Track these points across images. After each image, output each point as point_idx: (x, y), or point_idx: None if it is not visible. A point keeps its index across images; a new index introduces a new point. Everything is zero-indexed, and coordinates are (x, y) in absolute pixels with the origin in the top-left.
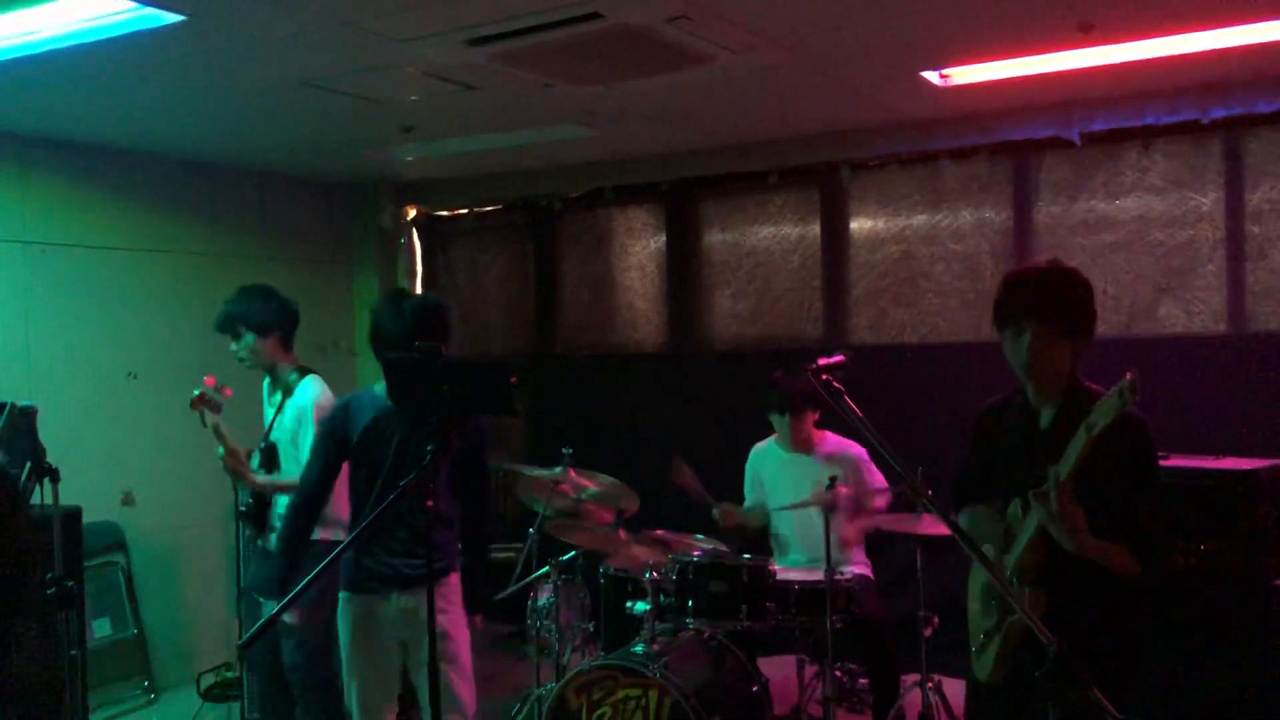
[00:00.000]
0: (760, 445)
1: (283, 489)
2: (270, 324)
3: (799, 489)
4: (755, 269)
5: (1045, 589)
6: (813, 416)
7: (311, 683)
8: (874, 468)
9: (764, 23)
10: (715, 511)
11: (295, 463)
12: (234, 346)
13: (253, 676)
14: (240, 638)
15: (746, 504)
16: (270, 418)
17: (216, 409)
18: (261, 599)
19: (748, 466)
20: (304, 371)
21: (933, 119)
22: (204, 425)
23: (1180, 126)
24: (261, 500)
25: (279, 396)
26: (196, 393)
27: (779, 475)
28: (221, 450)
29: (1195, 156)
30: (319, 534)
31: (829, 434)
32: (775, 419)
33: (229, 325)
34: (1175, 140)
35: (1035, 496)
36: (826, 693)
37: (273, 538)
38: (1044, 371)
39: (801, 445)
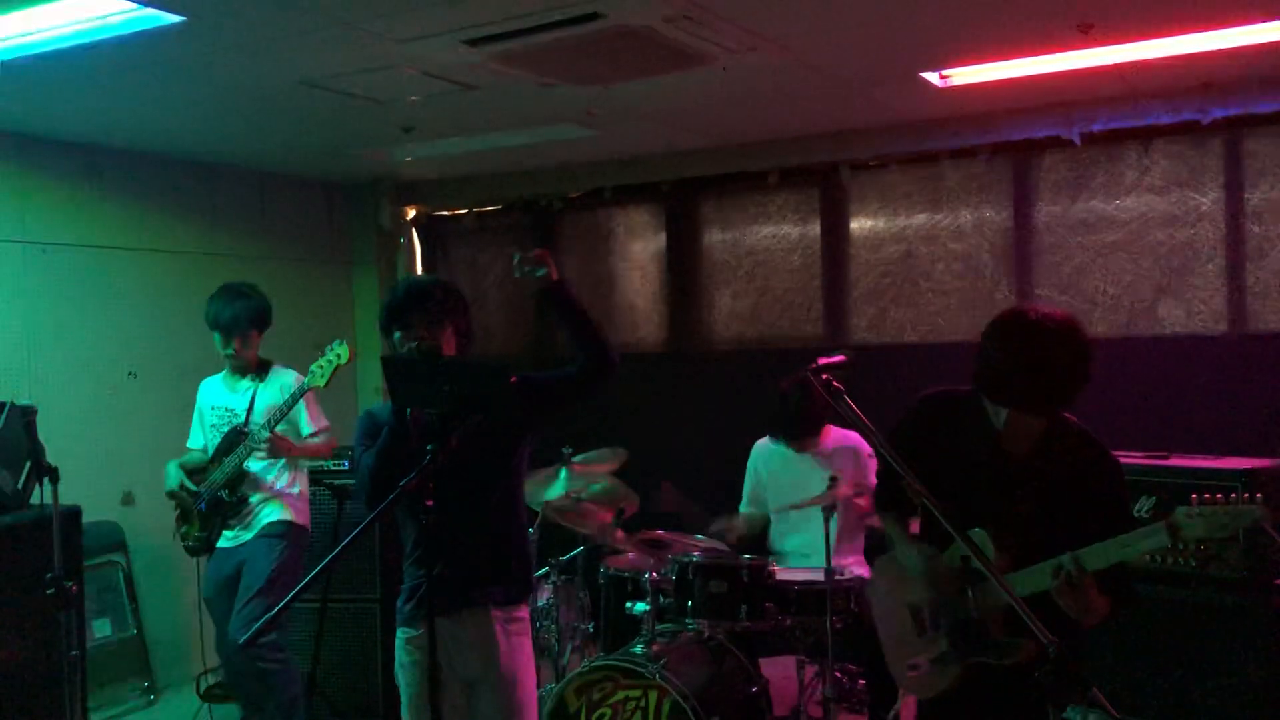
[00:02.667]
0: (763, 441)
1: (314, 451)
2: (268, 321)
3: (802, 486)
4: (755, 269)
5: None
6: (819, 430)
7: (272, 663)
8: (876, 461)
9: (764, 23)
10: (716, 529)
11: (297, 434)
12: (235, 345)
13: (233, 678)
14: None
15: (743, 505)
16: (243, 407)
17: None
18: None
19: (749, 463)
20: (265, 362)
21: (933, 119)
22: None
23: (1180, 126)
24: (234, 493)
25: (248, 384)
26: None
27: (781, 473)
28: (261, 423)
29: (1195, 156)
30: (296, 517)
31: (833, 428)
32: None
33: (243, 327)
34: (1175, 140)
35: (1061, 589)
36: (826, 693)
37: (253, 519)
38: (1026, 432)
39: (807, 444)
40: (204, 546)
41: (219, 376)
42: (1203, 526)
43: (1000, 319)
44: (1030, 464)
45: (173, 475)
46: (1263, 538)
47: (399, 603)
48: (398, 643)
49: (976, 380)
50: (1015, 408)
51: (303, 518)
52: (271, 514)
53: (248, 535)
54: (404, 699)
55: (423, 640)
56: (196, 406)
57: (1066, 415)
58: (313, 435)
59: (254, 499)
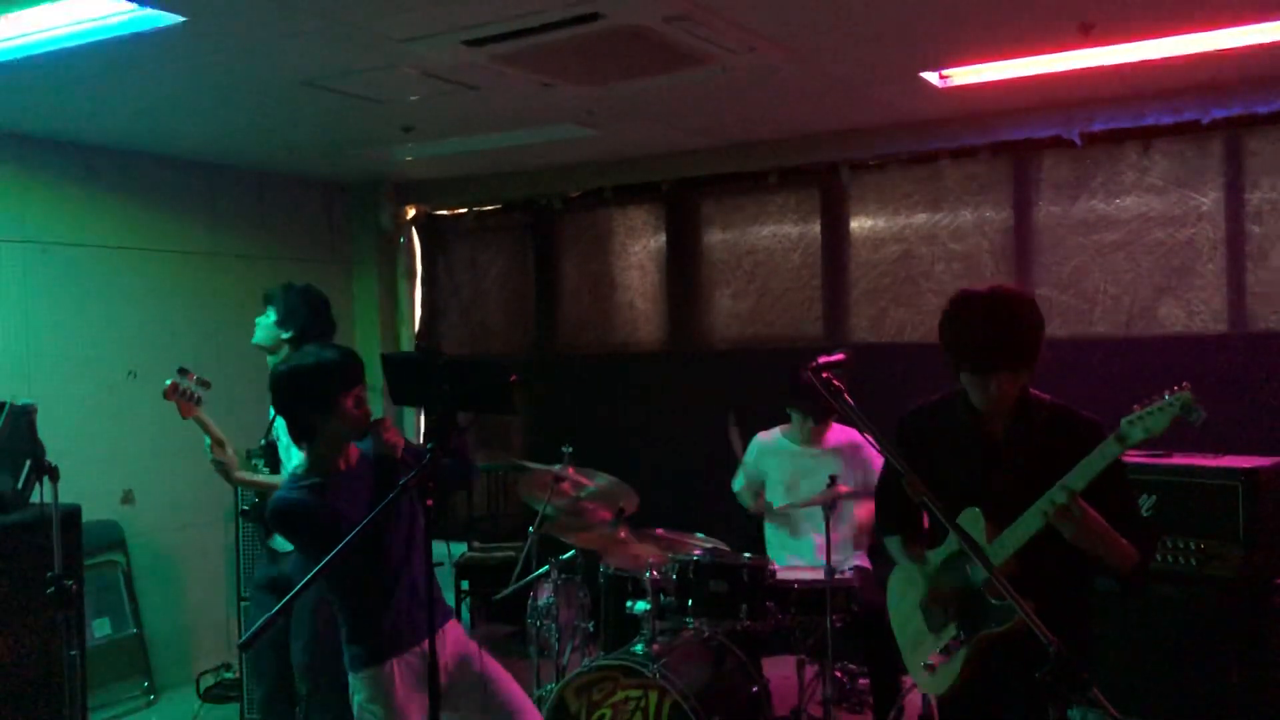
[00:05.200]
0: (765, 436)
1: (262, 487)
2: (290, 321)
3: (807, 482)
4: (755, 268)
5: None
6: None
7: (322, 684)
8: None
9: (764, 23)
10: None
11: (288, 462)
12: (259, 319)
13: (255, 680)
14: (240, 637)
15: (736, 483)
16: (272, 415)
17: (195, 400)
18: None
19: (749, 455)
20: None
21: (933, 119)
22: (182, 418)
23: (1180, 126)
24: (265, 499)
25: None
26: (169, 382)
27: (786, 468)
28: (209, 442)
29: (1195, 156)
30: None
31: (834, 424)
32: (796, 415)
33: (269, 298)
34: (1175, 140)
35: (1057, 514)
36: (827, 693)
37: (277, 537)
38: (1006, 403)
39: (815, 440)
40: (256, 518)
41: None
42: (1142, 427)
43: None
44: (1008, 441)
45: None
46: (1194, 414)
47: (356, 650)
48: (359, 684)
49: (952, 356)
50: (965, 368)
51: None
52: None
53: (285, 545)
54: None
55: (387, 673)
56: None
57: (1039, 393)
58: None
59: None
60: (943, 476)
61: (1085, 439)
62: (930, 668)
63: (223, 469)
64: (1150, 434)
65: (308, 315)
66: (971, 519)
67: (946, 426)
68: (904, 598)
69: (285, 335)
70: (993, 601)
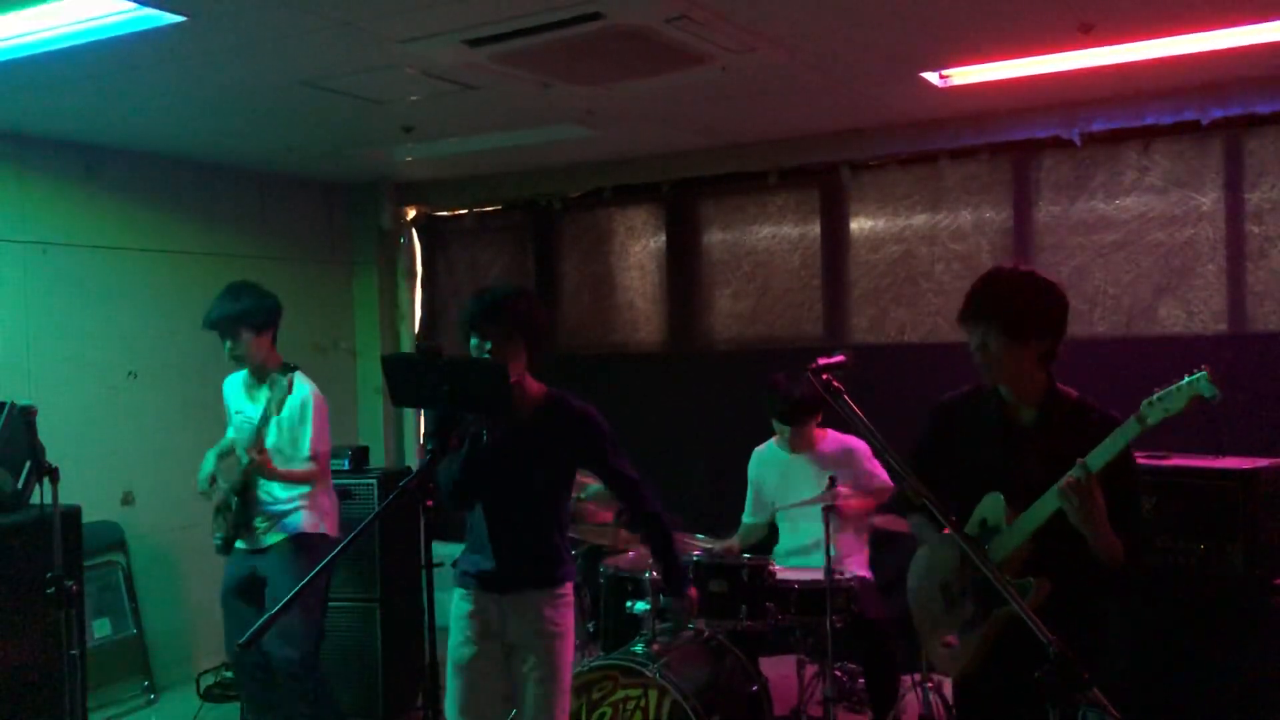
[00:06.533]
0: (760, 448)
1: (297, 478)
2: (266, 322)
3: (800, 489)
4: (755, 269)
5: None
6: (814, 420)
7: (305, 682)
8: (875, 461)
9: (764, 23)
10: (715, 552)
11: (291, 458)
12: (229, 345)
13: (241, 679)
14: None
15: (746, 515)
16: (258, 415)
17: None
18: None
19: (750, 472)
20: (289, 368)
21: (933, 119)
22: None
23: (1180, 127)
24: (246, 499)
25: (265, 393)
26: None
27: (780, 477)
28: (250, 437)
29: (1195, 156)
30: (309, 527)
31: (830, 431)
32: (777, 423)
33: (228, 327)
34: (1175, 140)
35: (1067, 487)
36: (826, 693)
37: (257, 534)
38: (1006, 377)
39: (803, 446)
40: (224, 547)
41: (241, 375)
42: (1161, 408)
43: None
44: (1034, 432)
45: (206, 466)
46: (1210, 391)
47: (455, 568)
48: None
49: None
50: (977, 325)
51: (329, 526)
52: (291, 524)
53: (266, 541)
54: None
55: (467, 600)
56: (224, 401)
57: (1064, 388)
58: (308, 459)
59: (267, 507)
60: (970, 462)
61: (1106, 430)
62: (948, 645)
63: (259, 467)
64: (1169, 414)
65: (259, 303)
66: (993, 503)
67: (975, 415)
68: (927, 577)
69: (264, 334)
70: (1010, 580)
